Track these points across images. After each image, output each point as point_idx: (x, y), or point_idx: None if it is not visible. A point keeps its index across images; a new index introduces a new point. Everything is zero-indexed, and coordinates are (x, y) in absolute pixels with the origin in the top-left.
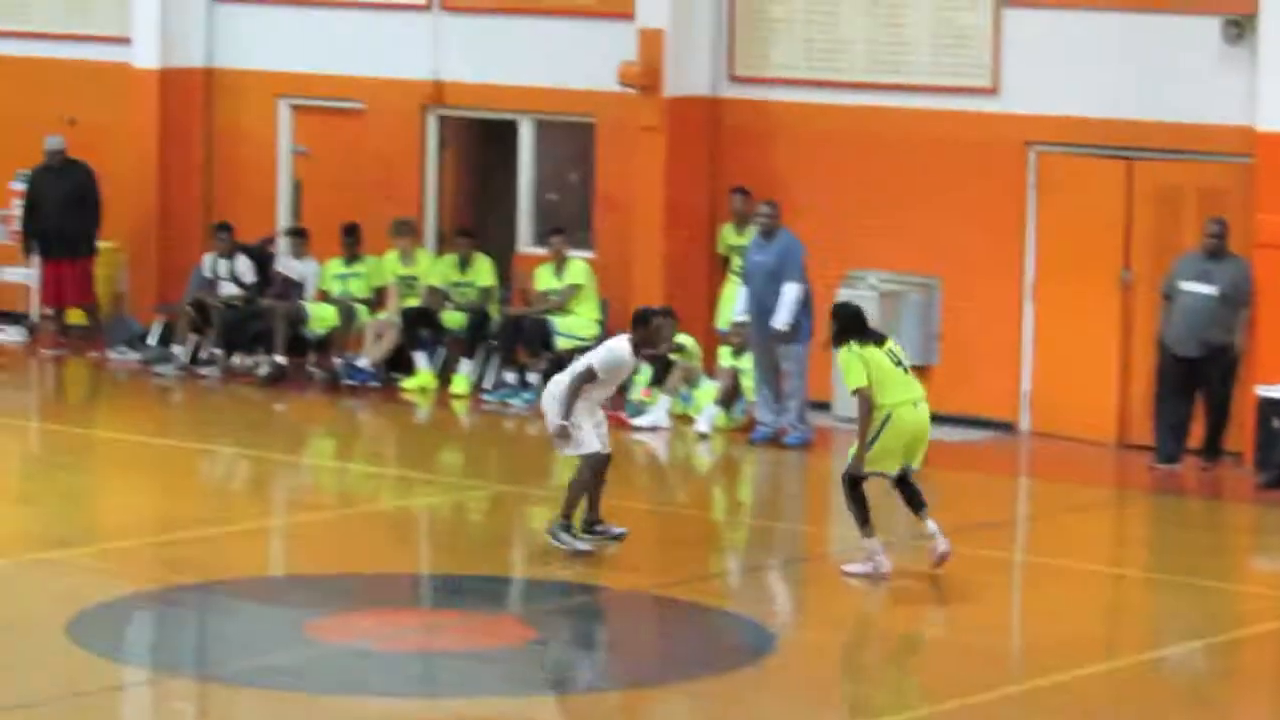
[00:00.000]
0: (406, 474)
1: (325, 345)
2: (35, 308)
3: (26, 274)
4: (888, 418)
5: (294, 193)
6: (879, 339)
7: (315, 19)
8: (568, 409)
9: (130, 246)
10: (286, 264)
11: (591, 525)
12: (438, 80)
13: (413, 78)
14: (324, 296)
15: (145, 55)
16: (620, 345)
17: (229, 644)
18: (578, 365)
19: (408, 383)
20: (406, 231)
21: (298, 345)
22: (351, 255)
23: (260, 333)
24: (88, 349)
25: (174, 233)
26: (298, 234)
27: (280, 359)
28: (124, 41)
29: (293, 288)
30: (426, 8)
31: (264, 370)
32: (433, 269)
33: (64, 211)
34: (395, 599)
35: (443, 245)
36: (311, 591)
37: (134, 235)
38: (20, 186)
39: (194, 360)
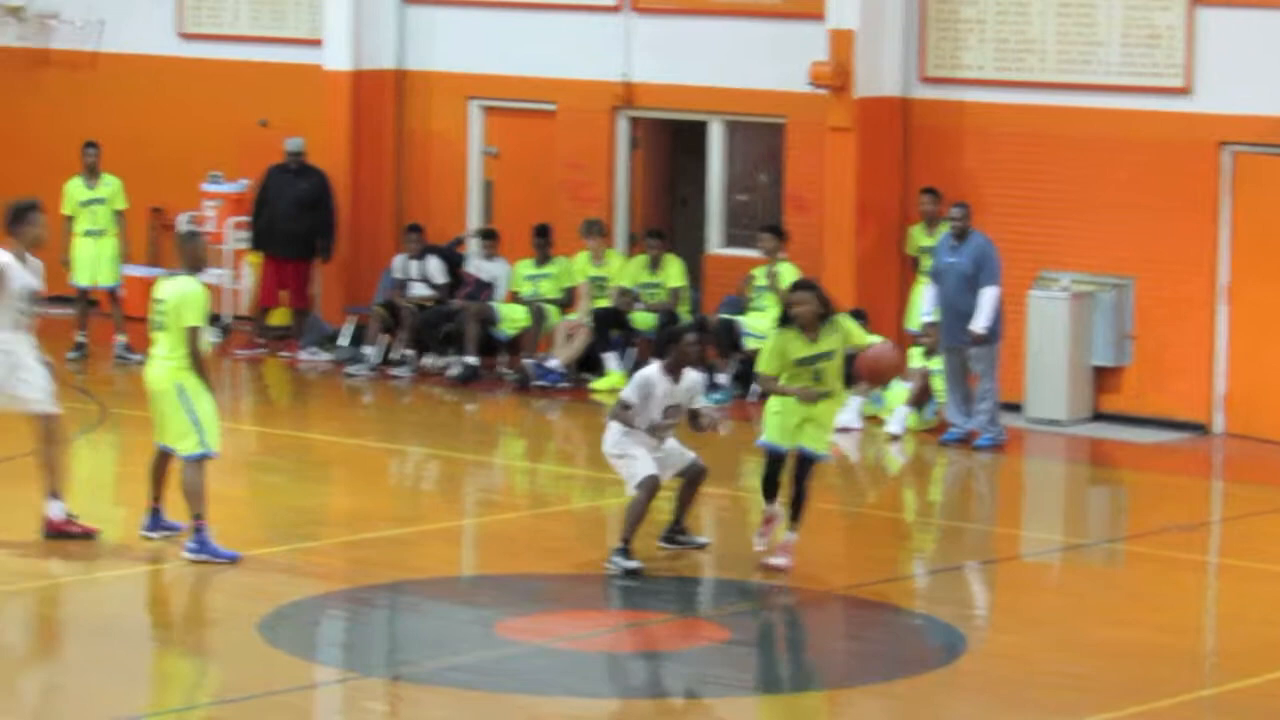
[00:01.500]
0: (596, 474)
1: (516, 346)
2: (231, 308)
3: (220, 274)
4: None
5: (485, 194)
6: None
7: (506, 20)
8: (619, 442)
9: (332, 248)
10: (477, 265)
11: (674, 535)
12: (628, 81)
13: (603, 79)
14: (515, 297)
15: (337, 57)
16: (648, 370)
17: (420, 643)
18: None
19: (598, 383)
20: (597, 232)
21: (488, 346)
22: (542, 256)
23: (451, 334)
24: (282, 350)
25: (365, 234)
26: (488, 235)
27: (471, 360)
28: (316, 44)
29: (483, 288)
30: (617, 9)
31: (455, 371)
32: (623, 270)
33: (296, 213)
34: (585, 599)
35: (633, 246)
36: (502, 591)
37: (335, 237)
38: (233, 189)
39: (385, 361)
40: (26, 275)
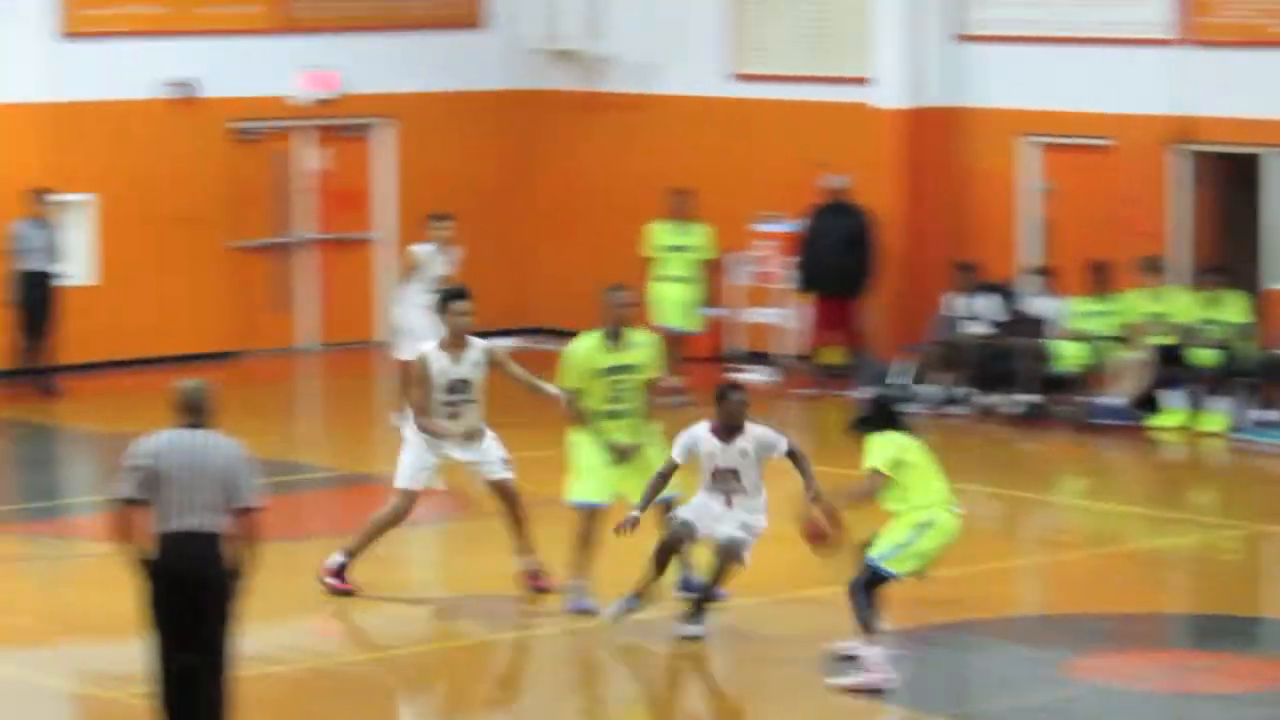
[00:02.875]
0: (1158, 513)
1: (1074, 383)
2: (788, 348)
3: (778, 314)
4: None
5: (1040, 230)
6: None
7: (1058, 55)
8: (647, 501)
9: (876, 285)
10: (1033, 302)
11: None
12: (1186, 115)
13: (1159, 112)
14: (1070, 334)
15: (887, 95)
16: (695, 428)
17: (984, 683)
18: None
19: (1158, 420)
20: (1156, 268)
21: (1046, 383)
22: (1100, 292)
23: (1008, 371)
24: (837, 388)
25: (918, 272)
26: (1044, 272)
27: (1029, 397)
28: (865, 82)
29: (1040, 326)
30: (1173, 42)
31: (1013, 409)
32: (1182, 306)
33: (841, 251)
34: (1149, 639)
35: (1192, 282)
36: (1065, 631)
37: (882, 275)
38: (786, 229)
39: (943, 399)
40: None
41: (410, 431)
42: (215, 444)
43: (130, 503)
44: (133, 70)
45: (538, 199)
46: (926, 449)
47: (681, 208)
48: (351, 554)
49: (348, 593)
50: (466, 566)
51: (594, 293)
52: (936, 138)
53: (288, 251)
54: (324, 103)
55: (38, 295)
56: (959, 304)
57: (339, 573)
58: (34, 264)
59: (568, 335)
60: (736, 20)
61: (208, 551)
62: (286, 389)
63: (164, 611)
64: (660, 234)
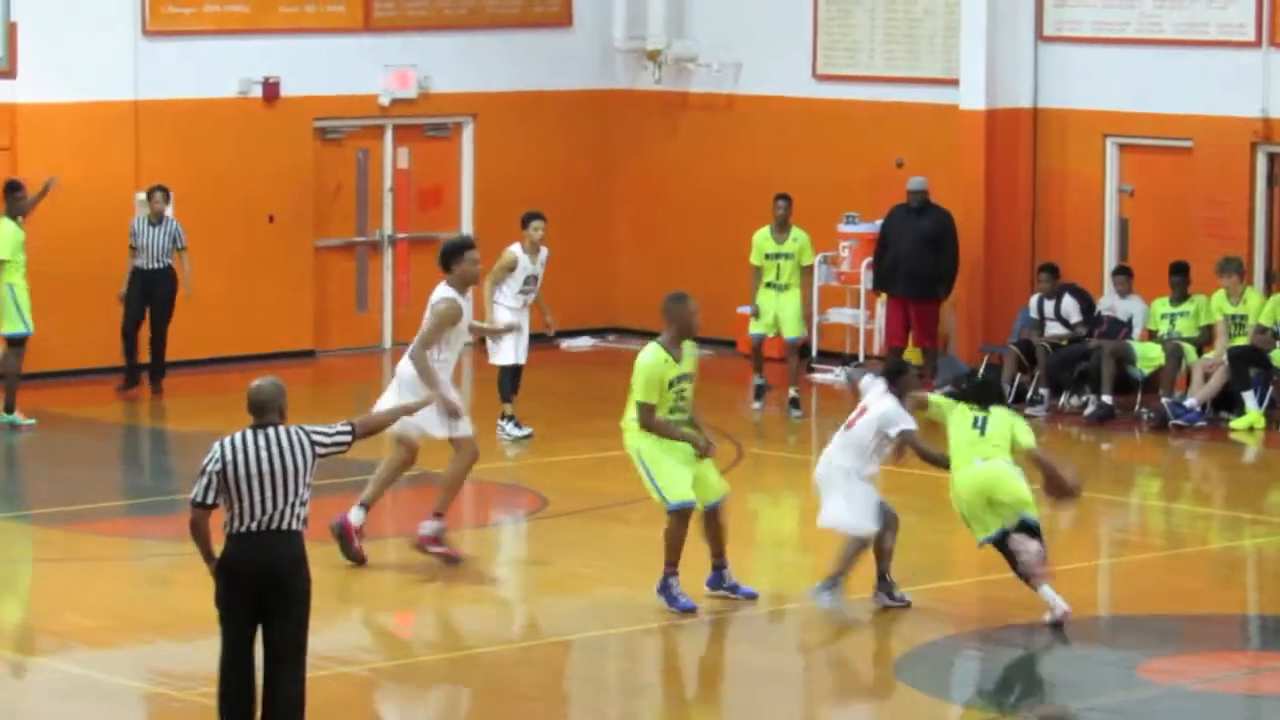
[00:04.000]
0: (1235, 514)
1: (1152, 384)
2: (864, 348)
3: (853, 315)
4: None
5: (1120, 231)
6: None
7: (1141, 57)
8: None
9: (957, 286)
10: (1113, 303)
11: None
12: (1267, 117)
13: (1242, 114)
14: (1151, 335)
15: (973, 97)
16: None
17: (1058, 684)
18: None
19: (1236, 422)
20: (1234, 269)
21: (1125, 385)
22: (1179, 294)
23: (1087, 372)
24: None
25: (1000, 273)
26: (1124, 273)
27: (1107, 398)
28: (951, 84)
29: (1119, 327)
30: (1256, 44)
31: (1091, 410)
32: (1261, 307)
33: (919, 252)
34: (1224, 641)
35: (1271, 284)
36: (1141, 632)
37: (961, 275)
38: (867, 230)
39: (1020, 399)
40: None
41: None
42: (288, 442)
43: (204, 506)
44: (216, 69)
45: (620, 200)
46: None
47: (782, 215)
48: (439, 513)
49: (455, 559)
50: (545, 565)
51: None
52: (1019, 139)
53: (371, 250)
54: (407, 102)
55: (154, 293)
56: (1041, 305)
57: (438, 539)
58: (151, 261)
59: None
60: (821, 20)
61: (284, 550)
62: (370, 388)
63: (241, 611)
64: (763, 241)
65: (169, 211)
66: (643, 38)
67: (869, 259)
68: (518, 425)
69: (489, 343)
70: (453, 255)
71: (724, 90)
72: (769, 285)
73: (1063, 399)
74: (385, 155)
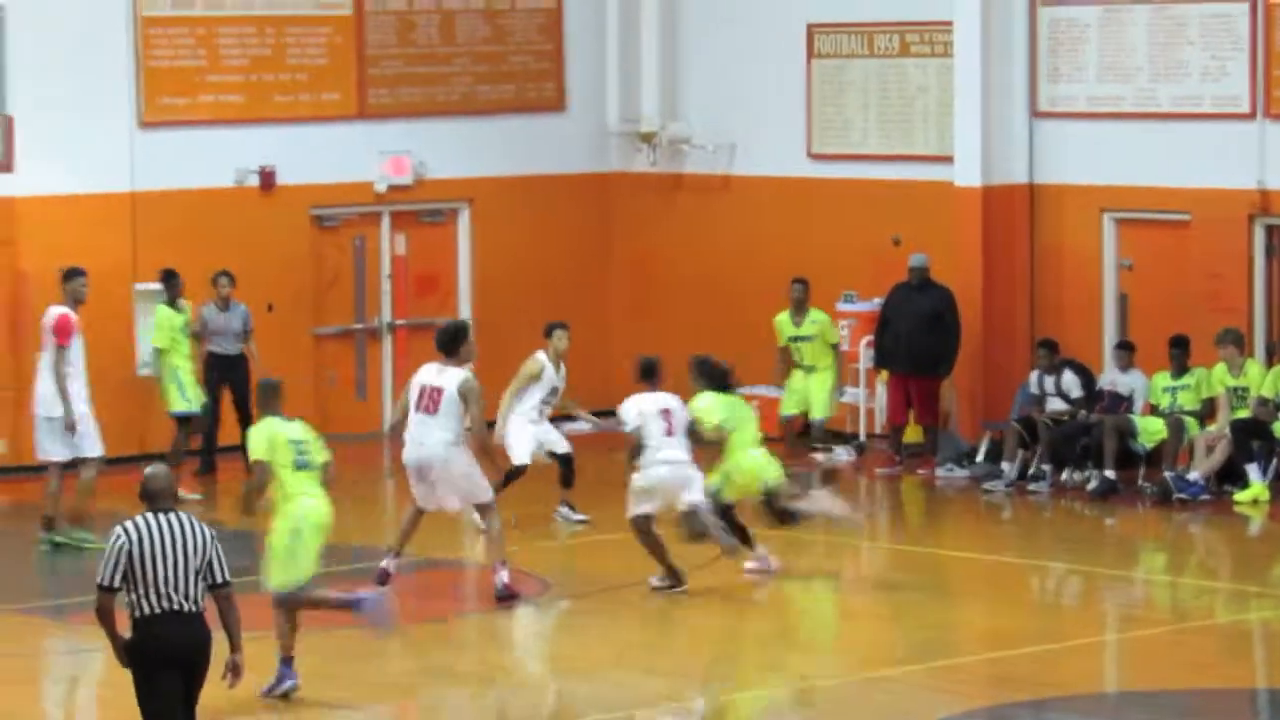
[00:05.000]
0: (1241, 587)
1: (1155, 459)
2: (866, 427)
3: (854, 393)
4: None
5: (1119, 306)
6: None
7: (1136, 131)
8: None
9: (958, 362)
10: (1114, 377)
11: None
12: (1264, 189)
13: (1238, 187)
14: (1153, 409)
15: (968, 173)
16: None
17: None
18: None
19: (1240, 495)
20: (1234, 341)
21: (1127, 459)
22: (1180, 367)
23: (1089, 447)
24: (919, 467)
25: (999, 349)
26: (1125, 347)
27: (1110, 473)
28: (946, 160)
29: (1120, 401)
30: (1251, 116)
31: (1093, 485)
32: (1263, 379)
33: (920, 330)
34: (1234, 715)
35: (1272, 355)
36: (1147, 708)
37: (961, 351)
38: (866, 308)
39: (1023, 476)
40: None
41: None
42: (189, 525)
43: (111, 590)
44: (212, 158)
45: (617, 281)
46: None
47: (798, 297)
48: (504, 562)
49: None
50: (551, 649)
51: (679, 370)
52: (1015, 215)
53: (369, 337)
54: (403, 188)
55: (233, 376)
56: (1041, 380)
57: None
58: (226, 346)
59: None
60: (814, 99)
61: (195, 629)
62: (369, 474)
63: (158, 692)
64: (784, 325)
65: (233, 296)
66: (637, 120)
67: (868, 337)
68: (572, 509)
69: (508, 441)
70: (460, 338)
71: (719, 171)
72: (798, 367)
73: (1065, 474)
74: (382, 242)
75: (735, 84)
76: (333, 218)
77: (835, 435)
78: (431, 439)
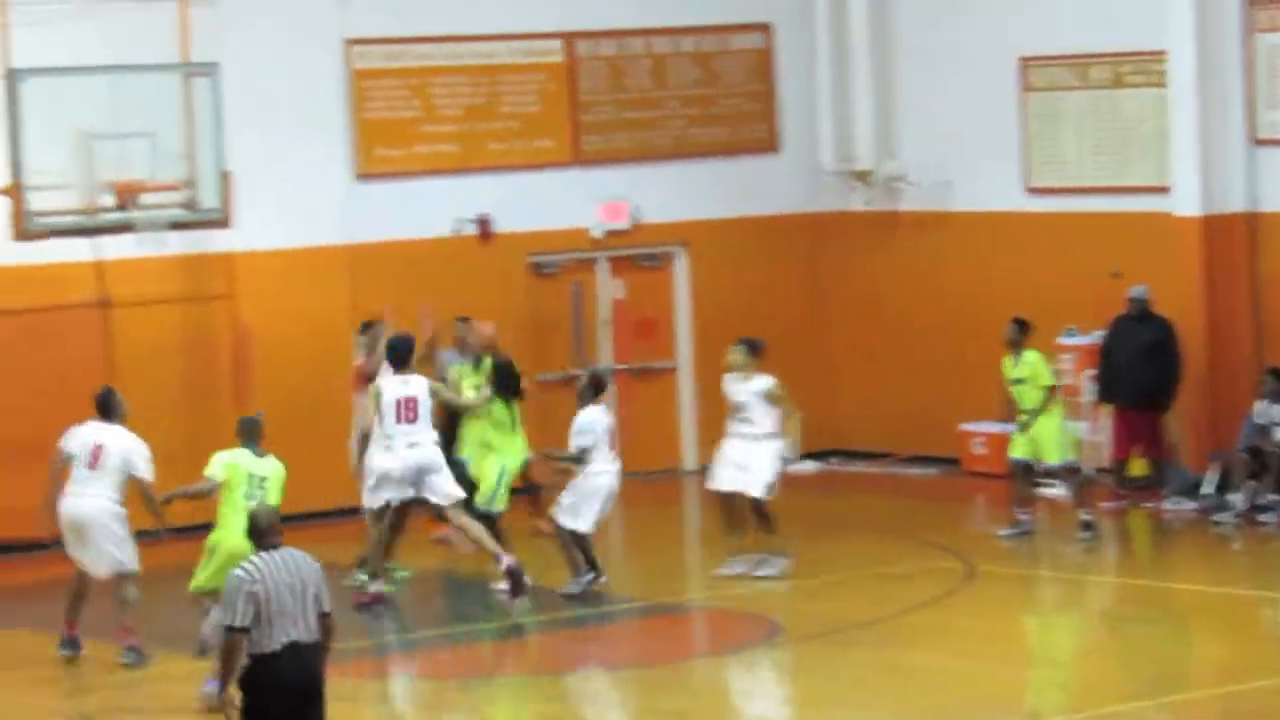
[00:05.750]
0: None
1: None
2: (1092, 461)
3: (1078, 427)
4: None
5: None
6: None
7: None
8: None
9: (1181, 393)
10: None
11: None
12: None
13: None
14: None
15: (1186, 203)
16: None
17: None
18: None
19: None
20: None
21: None
22: None
23: None
24: (1144, 500)
25: (1224, 378)
26: None
27: None
28: (1163, 191)
29: None
30: None
31: None
32: None
33: (1141, 362)
34: None
35: None
36: None
37: (1184, 382)
38: (1086, 341)
39: (1253, 507)
40: None
41: None
42: (300, 558)
43: (245, 630)
44: (429, 209)
45: (836, 321)
46: None
47: (1009, 338)
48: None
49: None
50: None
51: (900, 413)
52: (1237, 243)
53: None
54: (619, 233)
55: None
56: (1267, 410)
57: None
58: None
59: (876, 457)
60: (1030, 133)
61: (314, 660)
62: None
63: None
64: (1006, 368)
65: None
66: (851, 159)
67: (1090, 371)
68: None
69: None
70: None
71: (935, 208)
72: (1024, 412)
73: None
74: (600, 287)
75: (949, 119)
76: (550, 264)
77: (1058, 470)
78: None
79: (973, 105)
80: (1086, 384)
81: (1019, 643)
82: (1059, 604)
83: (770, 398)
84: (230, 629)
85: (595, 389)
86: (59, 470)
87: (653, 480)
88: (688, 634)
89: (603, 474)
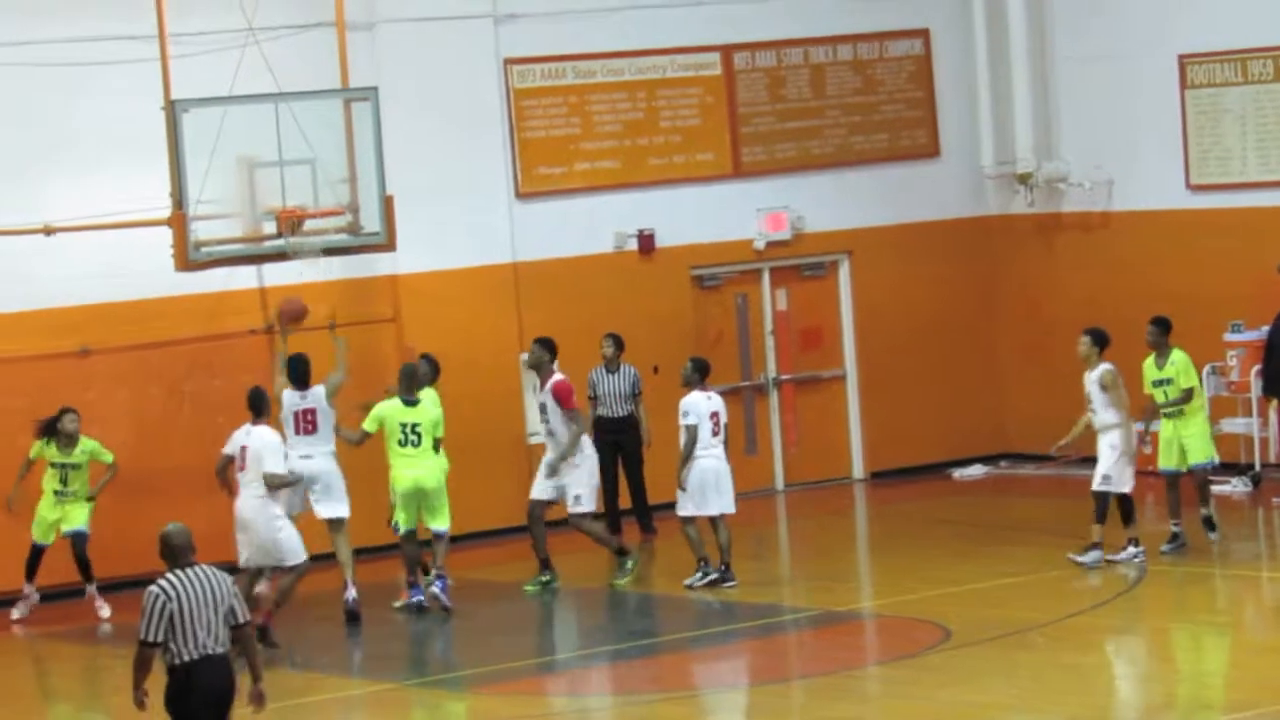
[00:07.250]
0: None
1: None
2: (1259, 457)
3: (1246, 423)
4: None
5: None
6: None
7: None
8: None
9: None
10: None
11: None
12: None
13: None
14: None
15: None
16: None
17: None
18: None
19: None
20: None
21: None
22: None
23: None
24: None
25: None
26: None
27: None
28: None
29: None
30: None
31: None
32: None
33: None
34: None
35: None
36: None
37: None
38: (1253, 337)
39: None
40: None
41: None
42: (214, 575)
43: (155, 645)
44: (591, 225)
45: (1002, 325)
46: None
47: (1151, 339)
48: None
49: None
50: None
51: (1068, 415)
52: None
53: (756, 394)
54: (781, 243)
55: (623, 440)
56: None
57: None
58: (613, 409)
59: (1042, 460)
60: (1191, 130)
61: (227, 669)
62: (765, 531)
63: None
64: (1148, 369)
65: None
66: (1012, 162)
67: (1258, 366)
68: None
69: None
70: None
71: (1097, 208)
72: (1165, 414)
73: None
74: (764, 298)
75: (1109, 119)
76: (714, 277)
77: (1229, 467)
78: None
79: (1132, 104)
80: (1254, 380)
81: (1188, 642)
82: (1231, 601)
83: (1101, 385)
84: (143, 643)
85: (700, 373)
86: (222, 470)
87: (821, 489)
88: (856, 643)
89: (705, 457)
